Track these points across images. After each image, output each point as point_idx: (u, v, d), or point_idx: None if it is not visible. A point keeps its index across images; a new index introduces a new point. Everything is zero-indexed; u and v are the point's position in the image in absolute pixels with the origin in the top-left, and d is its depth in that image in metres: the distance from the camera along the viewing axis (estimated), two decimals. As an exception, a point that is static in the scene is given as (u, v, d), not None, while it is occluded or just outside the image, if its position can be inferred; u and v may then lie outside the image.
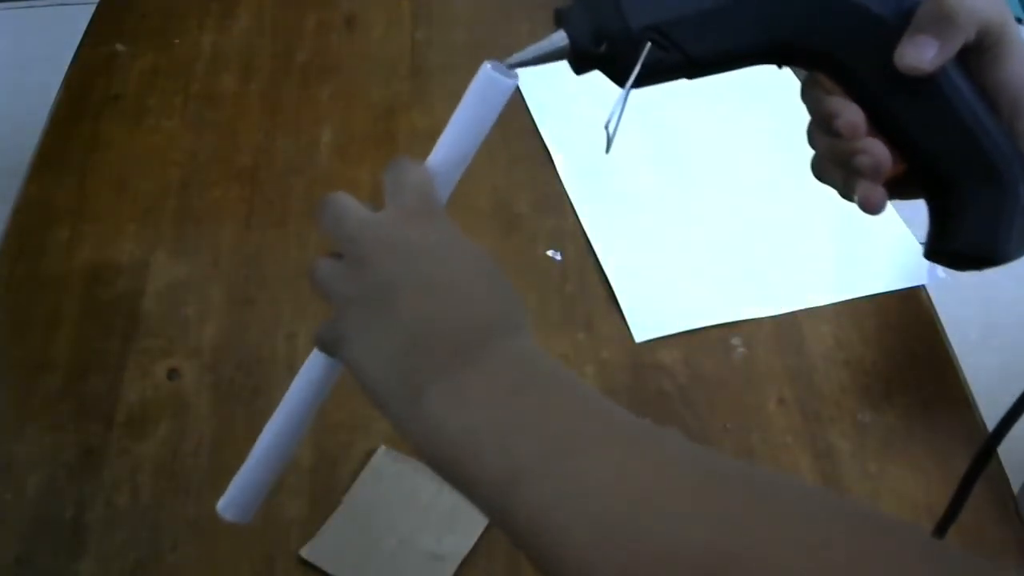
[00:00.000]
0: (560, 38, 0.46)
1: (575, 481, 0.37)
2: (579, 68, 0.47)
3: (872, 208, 0.45)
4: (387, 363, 0.43)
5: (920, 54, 0.42)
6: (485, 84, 0.46)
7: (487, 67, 0.46)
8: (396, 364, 0.42)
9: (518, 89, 0.47)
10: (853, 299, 0.86)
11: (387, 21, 1.13)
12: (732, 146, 0.99)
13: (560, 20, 0.46)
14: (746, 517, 0.34)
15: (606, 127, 0.45)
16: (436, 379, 0.41)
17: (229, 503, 0.51)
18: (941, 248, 0.46)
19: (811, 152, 0.49)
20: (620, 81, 0.46)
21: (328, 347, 0.47)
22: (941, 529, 0.56)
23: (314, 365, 0.49)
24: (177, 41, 1.11)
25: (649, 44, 0.44)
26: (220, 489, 0.51)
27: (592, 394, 0.42)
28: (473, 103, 0.47)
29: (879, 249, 0.90)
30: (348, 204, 0.46)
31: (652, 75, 0.46)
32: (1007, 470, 0.73)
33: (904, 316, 0.85)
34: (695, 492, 0.36)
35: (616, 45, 0.45)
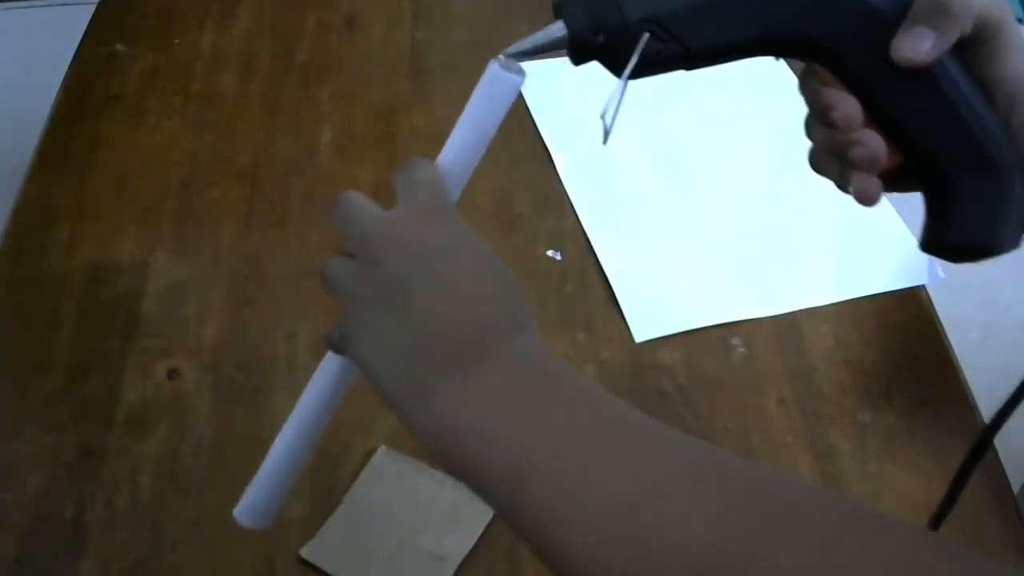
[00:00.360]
0: (558, 28, 0.46)
1: (578, 479, 0.37)
2: (577, 59, 0.47)
3: (867, 200, 0.45)
4: (396, 362, 0.43)
5: (916, 45, 0.42)
6: (493, 81, 0.46)
7: (495, 65, 0.46)
8: (405, 363, 0.42)
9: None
10: (853, 299, 0.86)
11: (387, 21, 1.13)
12: (732, 146, 0.99)
13: (559, 11, 0.46)
14: (748, 516, 0.34)
15: (602, 117, 0.45)
16: (442, 378, 0.41)
17: (246, 509, 0.50)
18: (937, 240, 0.46)
19: (812, 150, 0.49)
20: (618, 72, 0.46)
21: (337, 345, 0.47)
22: (937, 520, 0.56)
23: (327, 368, 0.49)
24: (177, 41, 1.11)
25: (647, 35, 0.45)
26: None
27: (596, 392, 0.42)
28: (481, 101, 0.47)
29: (879, 249, 0.90)
30: (361, 203, 0.46)
31: (650, 66, 0.46)
32: (1007, 470, 0.73)
33: (904, 316, 0.85)
34: (697, 492, 0.36)
35: (614, 36, 0.45)
